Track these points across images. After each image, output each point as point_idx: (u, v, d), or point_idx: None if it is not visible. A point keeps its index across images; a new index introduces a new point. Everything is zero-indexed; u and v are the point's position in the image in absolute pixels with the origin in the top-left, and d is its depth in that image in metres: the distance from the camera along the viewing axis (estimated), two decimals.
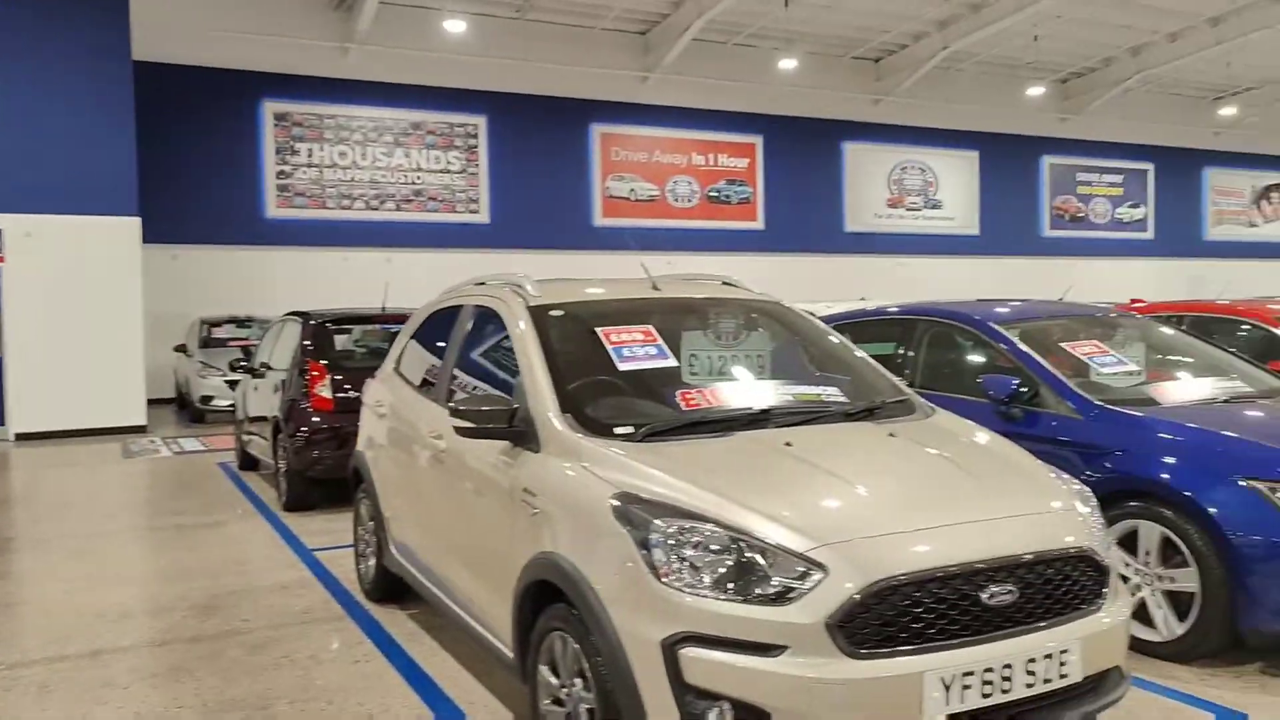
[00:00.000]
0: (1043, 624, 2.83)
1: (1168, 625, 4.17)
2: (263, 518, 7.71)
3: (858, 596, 2.63)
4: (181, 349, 15.12)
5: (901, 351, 5.93)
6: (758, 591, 2.68)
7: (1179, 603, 4.16)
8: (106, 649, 4.71)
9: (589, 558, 2.98)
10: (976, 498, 3.11)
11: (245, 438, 9.67)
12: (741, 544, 2.74)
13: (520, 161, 20.02)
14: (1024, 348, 5.19)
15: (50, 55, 12.85)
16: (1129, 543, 4.29)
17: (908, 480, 3.25)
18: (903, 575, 2.68)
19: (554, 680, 3.16)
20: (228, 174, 17.77)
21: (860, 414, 3.73)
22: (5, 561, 6.54)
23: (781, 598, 2.66)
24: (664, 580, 2.73)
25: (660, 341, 3.83)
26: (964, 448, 3.58)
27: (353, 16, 17.72)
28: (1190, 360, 5.56)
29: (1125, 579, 4.15)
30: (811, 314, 4.81)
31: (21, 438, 12.72)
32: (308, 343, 8.15)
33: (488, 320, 4.30)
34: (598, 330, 3.86)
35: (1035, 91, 23.87)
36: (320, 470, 7.68)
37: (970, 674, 2.67)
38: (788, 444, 3.28)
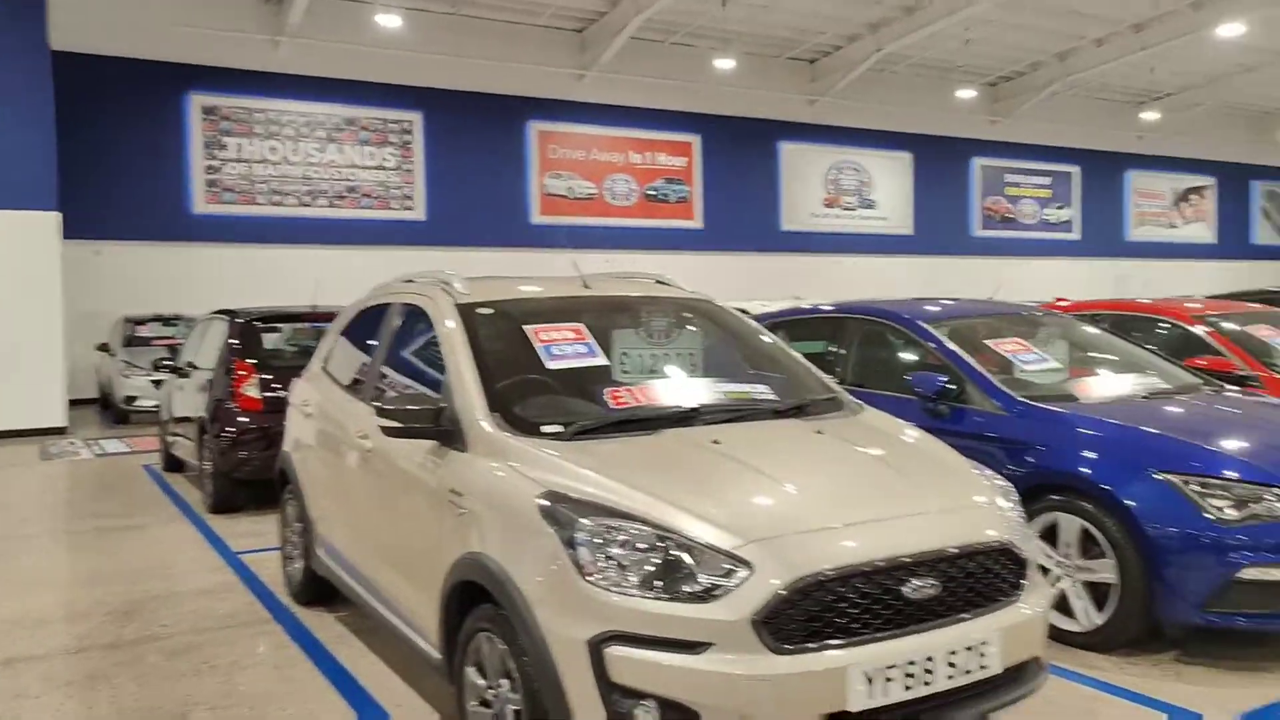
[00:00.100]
0: (964, 616, 2.87)
1: (1087, 615, 4.27)
2: (187, 520, 7.51)
3: (783, 592, 2.64)
4: (104, 348, 14.67)
5: (833, 349, 5.99)
6: (684, 589, 2.68)
7: (1098, 594, 4.26)
8: (19, 657, 4.55)
9: (516, 558, 2.95)
10: (901, 493, 3.15)
11: (170, 439, 9.43)
12: (668, 542, 2.74)
13: (457, 158, 19.83)
14: (951, 346, 5.27)
15: None
16: (1050, 535, 4.39)
17: (834, 477, 3.27)
18: (829, 571, 2.70)
19: (481, 681, 3.13)
20: (154, 168, 17.27)
21: (789, 412, 3.75)
22: None
23: (708, 595, 2.66)
24: (589, 579, 2.72)
25: (590, 340, 3.82)
26: (890, 444, 3.62)
27: (284, 9, 17.38)
28: (1111, 358, 5.71)
29: (1046, 571, 4.24)
30: (744, 312, 4.83)
31: None
32: (235, 341, 7.99)
33: (416, 318, 4.24)
34: (527, 328, 3.84)
35: (966, 94, 24.36)
36: (247, 471, 7.53)
37: (893, 667, 2.70)
38: (716, 442, 3.29)
